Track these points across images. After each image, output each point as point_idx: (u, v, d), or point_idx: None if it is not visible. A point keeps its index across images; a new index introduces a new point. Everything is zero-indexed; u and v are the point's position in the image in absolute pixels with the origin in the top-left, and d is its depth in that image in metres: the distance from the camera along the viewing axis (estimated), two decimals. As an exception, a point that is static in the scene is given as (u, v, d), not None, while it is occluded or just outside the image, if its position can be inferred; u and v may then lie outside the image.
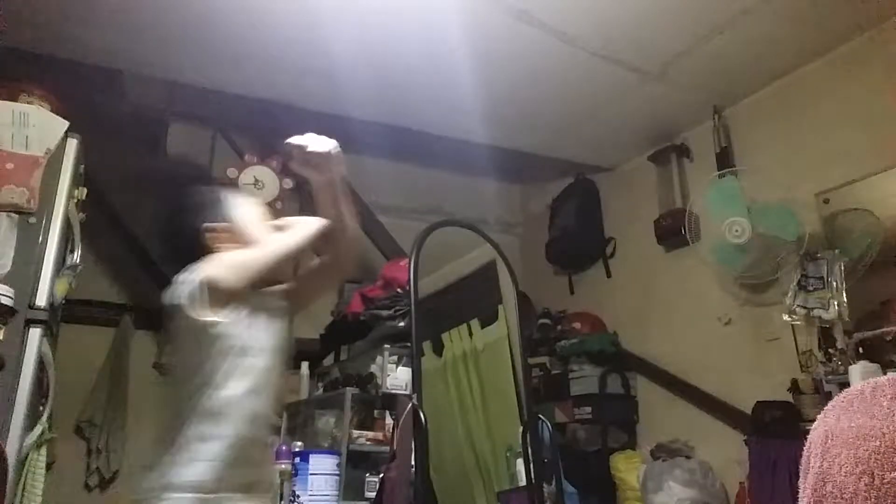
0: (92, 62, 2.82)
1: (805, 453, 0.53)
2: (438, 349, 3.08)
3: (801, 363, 2.53)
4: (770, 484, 2.39)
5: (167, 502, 1.14)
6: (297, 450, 2.51)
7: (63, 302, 2.07)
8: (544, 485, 2.52)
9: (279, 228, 1.40)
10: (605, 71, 2.80)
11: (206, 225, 1.36)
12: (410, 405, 1.99)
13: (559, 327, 3.64)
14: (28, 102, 2.07)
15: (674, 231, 3.15)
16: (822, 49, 2.70)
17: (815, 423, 0.53)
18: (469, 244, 2.84)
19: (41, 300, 1.84)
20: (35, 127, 1.96)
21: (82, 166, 2.15)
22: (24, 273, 1.84)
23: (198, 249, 1.32)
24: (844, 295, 2.38)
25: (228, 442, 1.19)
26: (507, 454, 2.75)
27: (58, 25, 2.54)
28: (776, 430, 2.45)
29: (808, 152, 2.74)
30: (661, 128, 3.34)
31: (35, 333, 1.81)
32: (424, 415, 1.97)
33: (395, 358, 2.61)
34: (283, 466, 2.44)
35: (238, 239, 1.36)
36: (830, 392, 2.34)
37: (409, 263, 2.25)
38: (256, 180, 3.44)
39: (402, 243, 3.35)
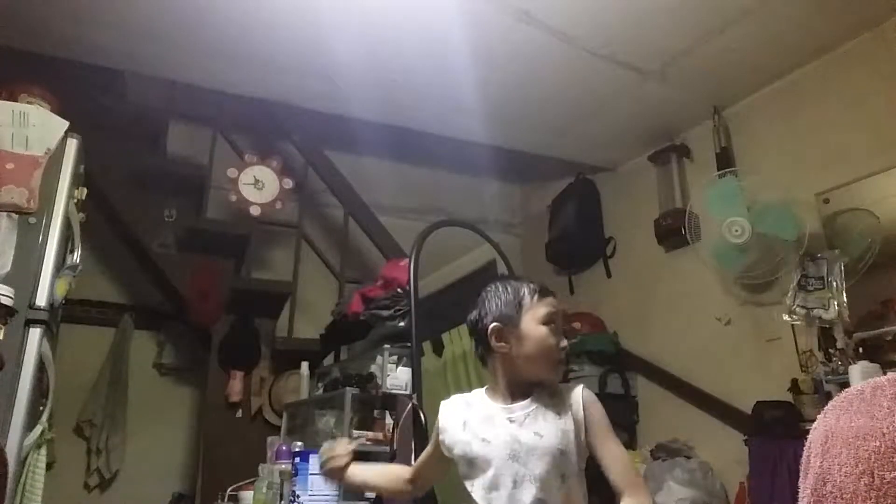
0: (92, 62, 2.82)
1: (805, 453, 0.53)
2: (438, 349, 3.08)
3: (801, 363, 2.53)
4: (770, 484, 2.39)
5: None
6: (297, 450, 2.51)
7: (63, 302, 2.07)
8: (544, 485, 2.52)
9: None
10: (605, 71, 2.80)
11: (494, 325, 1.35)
12: (410, 405, 2.00)
13: (559, 327, 3.63)
14: (28, 102, 2.07)
15: (674, 231, 3.15)
16: (822, 49, 2.70)
17: (815, 423, 0.53)
18: (469, 244, 2.85)
19: (41, 300, 1.84)
20: (35, 127, 1.96)
21: (82, 166, 2.15)
22: (24, 273, 1.84)
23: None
24: (844, 295, 2.38)
25: None
26: (507, 454, 2.75)
27: (58, 25, 2.54)
28: (776, 430, 2.45)
29: (808, 152, 2.74)
30: (661, 128, 3.34)
31: (35, 333, 1.81)
32: (424, 415, 1.98)
33: (395, 358, 2.61)
34: (283, 466, 2.44)
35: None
36: (830, 392, 2.34)
37: (409, 263, 2.26)
38: (256, 180, 3.45)
39: (402, 243, 3.35)
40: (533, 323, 1.33)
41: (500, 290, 1.39)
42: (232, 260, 3.63)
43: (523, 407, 1.32)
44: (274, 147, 3.74)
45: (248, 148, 3.65)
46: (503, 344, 1.33)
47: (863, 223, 2.47)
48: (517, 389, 1.34)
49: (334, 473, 1.58)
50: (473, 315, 1.40)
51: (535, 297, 1.36)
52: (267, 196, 3.45)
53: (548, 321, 1.33)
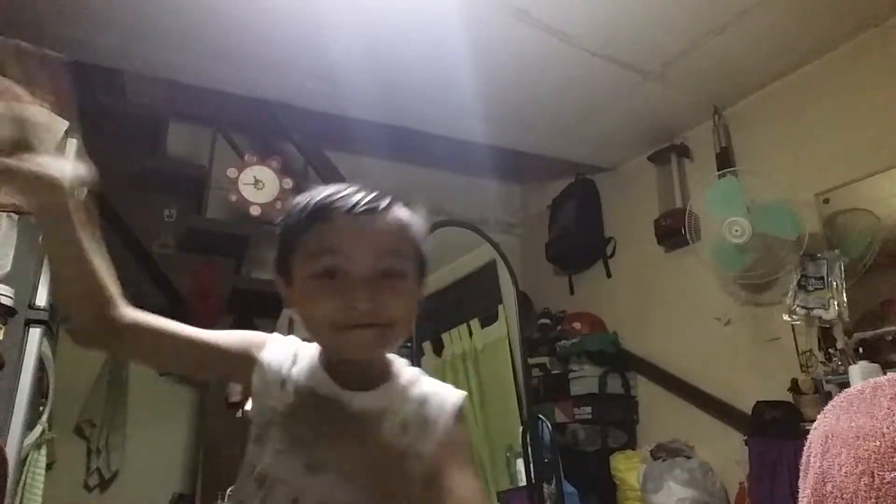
0: (92, 62, 2.82)
1: (805, 453, 0.53)
2: (438, 349, 3.09)
3: (801, 363, 2.53)
4: (770, 484, 2.39)
5: None
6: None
7: (63, 302, 2.07)
8: (544, 485, 2.53)
9: None
10: (605, 71, 2.80)
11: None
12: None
13: (559, 327, 3.64)
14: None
15: (674, 231, 3.15)
16: (823, 49, 2.70)
17: (815, 423, 0.54)
18: (469, 244, 2.85)
19: (41, 300, 1.84)
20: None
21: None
22: (24, 273, 1.84)
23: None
24: (844, 295, 2.38)
25: None
26: (507, 454, 2.76)
27: (57, 25, 2.54)
28: (776, 430, 2.45)
29: (808, 152, 2.74)
30: (661, 128, 3.34)
31: (35, 333, 1.81)
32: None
33: (395, 358, 2.61)
34: (283, 466, 2.44)
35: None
36: (830, 392, 2.34)
37: (409, 263, 2.25)
38: (256, 180, 3.44)
39: (402, 243, 3.34)
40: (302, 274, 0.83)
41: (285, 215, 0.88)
42: (232, 260, 3.63)
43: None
44: (274, 147, 3.74)
45: (248, 148, 3.65)
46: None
47: (863, 223, 2.47)
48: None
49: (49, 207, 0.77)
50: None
51: (310, 227, 0.83)
52: (267, 196, 3.44)
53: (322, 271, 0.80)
